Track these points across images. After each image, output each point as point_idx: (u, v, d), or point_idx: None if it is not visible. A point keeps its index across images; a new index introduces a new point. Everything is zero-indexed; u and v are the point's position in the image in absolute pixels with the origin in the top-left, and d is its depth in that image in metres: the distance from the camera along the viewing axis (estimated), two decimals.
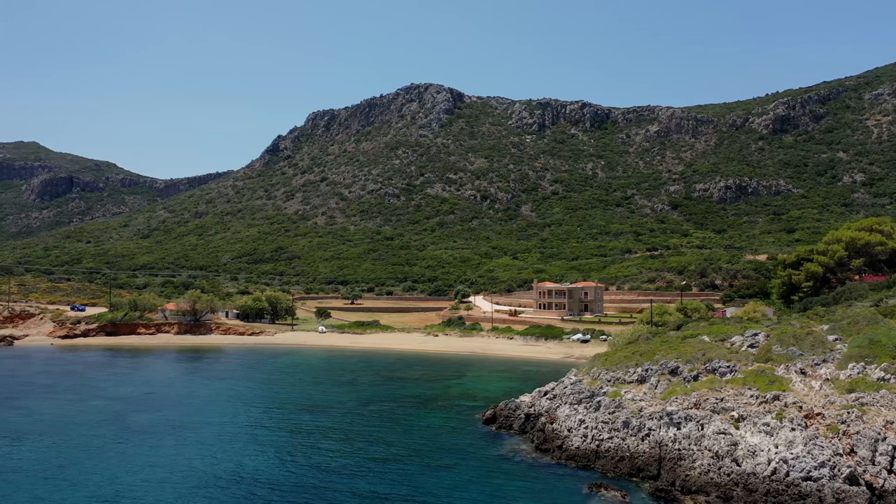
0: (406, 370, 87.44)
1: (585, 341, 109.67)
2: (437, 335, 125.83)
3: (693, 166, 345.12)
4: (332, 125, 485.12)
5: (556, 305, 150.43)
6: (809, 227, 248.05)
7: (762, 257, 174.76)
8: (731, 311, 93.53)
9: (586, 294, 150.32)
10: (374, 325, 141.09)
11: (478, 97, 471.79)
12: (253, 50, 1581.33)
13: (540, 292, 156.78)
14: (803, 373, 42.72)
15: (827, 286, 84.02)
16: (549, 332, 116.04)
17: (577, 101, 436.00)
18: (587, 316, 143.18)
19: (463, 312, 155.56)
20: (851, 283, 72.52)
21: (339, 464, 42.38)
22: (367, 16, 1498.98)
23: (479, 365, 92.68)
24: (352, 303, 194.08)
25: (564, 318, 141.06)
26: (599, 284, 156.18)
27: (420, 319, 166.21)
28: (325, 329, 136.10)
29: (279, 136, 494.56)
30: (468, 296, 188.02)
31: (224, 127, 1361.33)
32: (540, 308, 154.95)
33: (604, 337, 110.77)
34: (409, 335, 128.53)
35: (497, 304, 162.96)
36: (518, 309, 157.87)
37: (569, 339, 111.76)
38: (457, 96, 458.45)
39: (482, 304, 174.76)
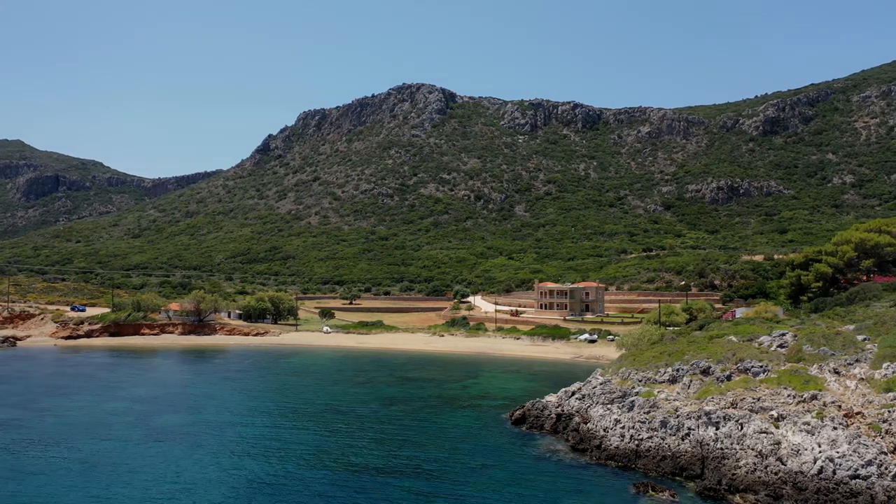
0: (419, 370, 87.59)
1: (593, 341, 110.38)
2: (442, 335, 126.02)
3: (685, 167, 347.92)
4: (323, 124, 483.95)
5: (558, 306, 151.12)
6: (801, 227, 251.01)
7: (759, 258, 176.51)
8: (740, 312, 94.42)
9: (588, 294, 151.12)
10: (379, 326, 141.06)
11: (470, 97, 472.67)
12: (241, 48, 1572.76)
13: (541, 292, 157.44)
14: (837, 372, 43.35)
15: (835, 286, 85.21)
16: (555, 333, 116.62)
17: (568, 102, 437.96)
18: (589, 316, 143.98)
19: (465, 312, 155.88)
20: (864, 283, 73.65)
21: (377, 464, 42.52)
22: (359, 15, 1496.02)
23: (491, 365, 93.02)
24: (350, 303, 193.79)
25: (566, 318, 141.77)
26: (600, 285, 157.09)
27: (420, 320, 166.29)
28: (329, 329, 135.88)
29: (270, 136, 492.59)
30: (467, 296, 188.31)
31: (212, 126, 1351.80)
32: (541, 308, 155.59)
33: (611, 337, 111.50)
34: (414, 335, 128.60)
35: (497, 304, 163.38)
36: (519, 309, 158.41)
37: (576, 339, 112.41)
38: (449, 96, 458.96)
39: (482, 305, 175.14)
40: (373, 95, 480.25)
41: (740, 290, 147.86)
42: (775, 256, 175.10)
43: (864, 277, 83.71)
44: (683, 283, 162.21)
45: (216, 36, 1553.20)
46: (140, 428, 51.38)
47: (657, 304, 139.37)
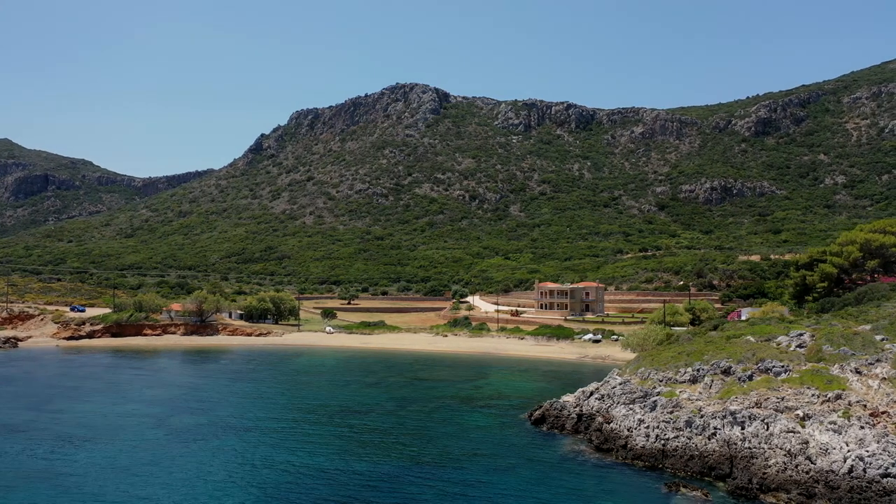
0: (429, 371, 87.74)
1: (597, 341, 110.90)
2: (446, 335, 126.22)
3: (678, 168, 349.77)
4: (316, 124, 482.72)
5: (558, 306, 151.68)
6: (794, 228, 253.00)
7: (755, 258, 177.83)
8: (746, 312, 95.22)
9: (588, 294, 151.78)
10: (381, 326, 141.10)
11: (463, 97, 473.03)
12: (231, 48, 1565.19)
13: (541, 292, 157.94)
14: (859, 372, 43.87)
15: (840, 287, 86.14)
16: (559, 333, 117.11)
17: (562, 103, 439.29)
18: (589, 316, 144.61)
19: (466, 313, 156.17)
20: (872, 283, 74.53)
21: (404, 463, 42.64)
22: (351, 14, 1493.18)
23: (498, 365, 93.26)
24: (349, 303, 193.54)
25: (567, 318, 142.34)
26: (600, 285, 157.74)
27: (420, 320, 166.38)
28: (332, 329, 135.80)
29: (262, 135, 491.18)
30: (466, 296, 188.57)
31: (202, 125, 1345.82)
32: (541, 308, 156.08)
33: (615, 337, 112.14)
34: (417, 336, 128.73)
35: (497, 304, 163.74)
36: (519, 309, 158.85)
37: (580, 339, 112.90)
38: (442, 96, 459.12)
39: (480, 305, 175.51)
40: (366, 95, 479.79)
41: (739, 289, 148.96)
42: (772, 256, 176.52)
43: (869, 278, 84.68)
44: (682, 283, 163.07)
45: (206, 35, 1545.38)
46: (163, 429, 51.28)
47: (657, 305, 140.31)
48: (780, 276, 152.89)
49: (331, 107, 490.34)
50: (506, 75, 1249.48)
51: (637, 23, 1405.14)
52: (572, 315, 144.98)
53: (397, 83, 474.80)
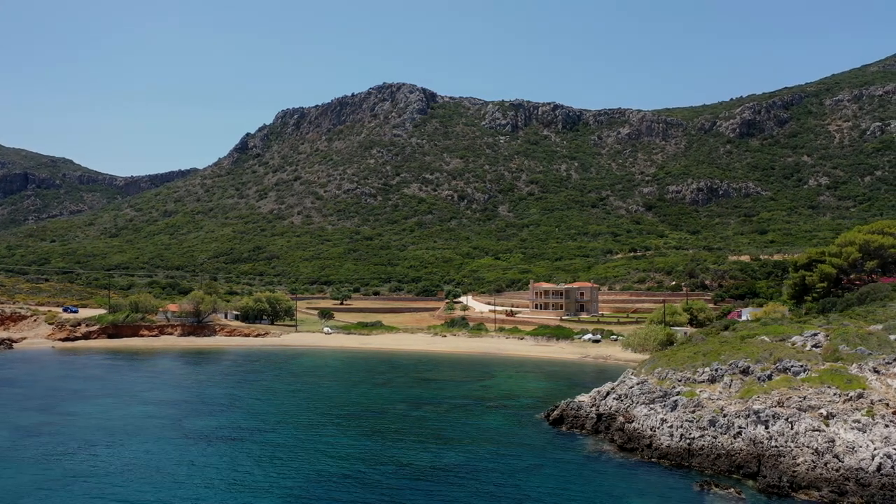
0: (433, 371, 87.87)
1: (597, 341, 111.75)
2: (444, 336, 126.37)
3: (665, 168, 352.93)
4: (302, 123, 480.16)
5: (553, 306, 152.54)
6: (780, 228, 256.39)
7: (745, 258, 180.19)
8: (747, 312, 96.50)
9: (582, 294, 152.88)
10: (379, 326, 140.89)
11: (450, 97, 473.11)
12: (214, 45, 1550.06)
13: (536, 292, 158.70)
14: (877, 371, 44.74)
15: (838, 287, 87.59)
16: (559, 333, 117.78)
17: (549, 103, 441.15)
18: (584, 316, 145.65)
19: (461, 313, 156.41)
20: (873, 283, 75.94)
21: (427, 465, 42.77)
22: (337, 13, 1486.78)
23: (501, 365, 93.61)
24: (341, 303, 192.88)
25: (563, 318, 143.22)
26: (594, 285, 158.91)
27: (415, 320, 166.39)
28: (330, 330, 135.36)
29: (248, 134, 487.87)
30: (459, 296, 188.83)
31: (186, 124, 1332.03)
32: (536, 308, 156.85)
33: (614, 337, 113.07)
34: (416, 336, 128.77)
35: (493, 304, 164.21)
36: (514, 309, 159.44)
37: (580, 339, 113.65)
38: (429, 96, 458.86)
39: (474, 305, 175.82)
40: (352, 95, 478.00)
41: (731, 289, 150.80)
42: (762, 257, 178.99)
43: (867, 278, 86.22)
44: (674, 283, 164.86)
45: (189, 34, 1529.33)
46: (184, 430, 50.97)
47: (650, 305, 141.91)
48: (770, 277, 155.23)
49: (317, 106, 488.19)
50: (493, 75, 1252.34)
51: (623, 24, 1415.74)
52: (567, 315, 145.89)
53: (384, 83, 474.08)
